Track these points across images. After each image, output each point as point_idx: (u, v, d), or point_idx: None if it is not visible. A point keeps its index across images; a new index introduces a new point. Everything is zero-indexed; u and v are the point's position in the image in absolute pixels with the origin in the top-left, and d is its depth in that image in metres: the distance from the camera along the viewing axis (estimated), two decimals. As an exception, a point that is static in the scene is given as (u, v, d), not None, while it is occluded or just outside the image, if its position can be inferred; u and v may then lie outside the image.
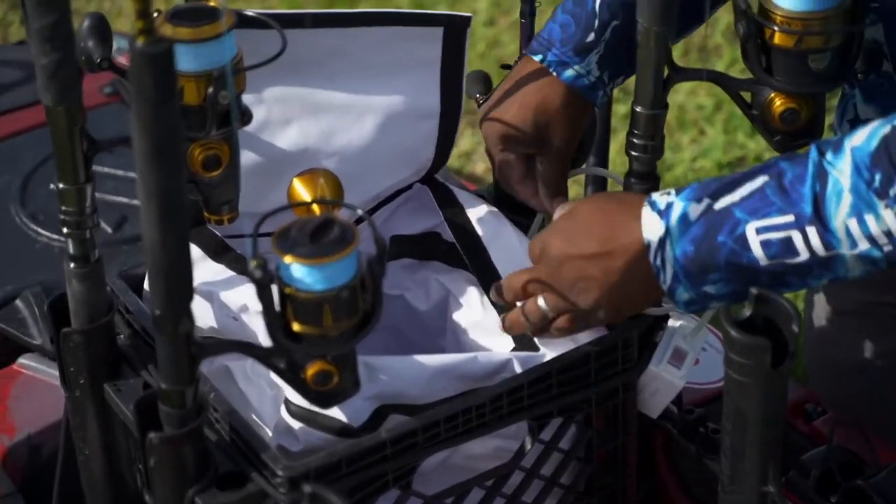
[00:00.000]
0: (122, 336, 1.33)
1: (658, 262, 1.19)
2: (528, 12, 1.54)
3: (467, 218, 1.43)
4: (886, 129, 1.13)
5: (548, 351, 1.29)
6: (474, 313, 1.40)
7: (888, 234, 1.13)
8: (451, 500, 1.28)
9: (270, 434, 1.23)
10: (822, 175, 1.14)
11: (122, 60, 1.64)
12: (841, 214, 1.13)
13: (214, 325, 1.31)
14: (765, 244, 1.16)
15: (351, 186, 1.33)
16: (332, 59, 1.39)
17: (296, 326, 1.11)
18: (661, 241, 1.19)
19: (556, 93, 1.40)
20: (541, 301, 1.26)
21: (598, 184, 1.66)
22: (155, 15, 1.19)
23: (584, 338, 1.29)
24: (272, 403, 1.26)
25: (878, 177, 1.12)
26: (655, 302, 1.27)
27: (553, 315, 1.26)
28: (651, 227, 1.19)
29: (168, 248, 1.04)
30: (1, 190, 1.96)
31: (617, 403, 1.33)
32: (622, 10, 1.34)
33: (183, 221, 1.04)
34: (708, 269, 1.18)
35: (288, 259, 1.09)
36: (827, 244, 1.14)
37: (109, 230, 1.87)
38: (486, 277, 1.39)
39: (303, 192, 1.28)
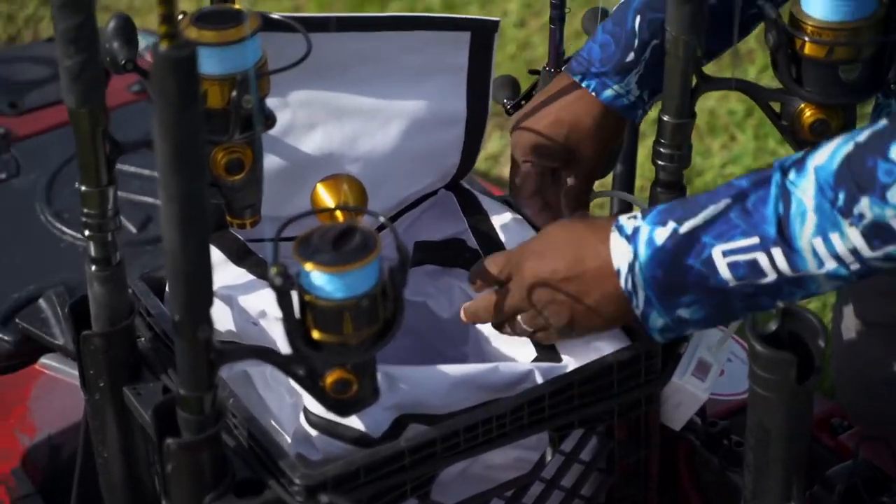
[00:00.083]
0: (143, 339, 1.32)
1: (629, 286, 1.21)
2: (558, 18, 1.53)
3: (491, 225, 1.42)
4: (849, 146, 1.13)
5: (570, 361, 1.28)
6: (497, 322, 1.39)
7: (854, 252, 1.13)
8: (471, 510, 1.28)
9: (289, 441, 1.23)
10: (785, 196, 1.15)
11: (149, 58, 1.64)
12: (806, 234, 1.14)
13: (234, 329, 1.31)
14: (732, 266, 1.17)
15: (375, 192, 1.33)
16: (358, 64, 1.38)
17: (315, 334, 1.10)
18: (630, 266, 1.20)
19: (591, 112, 1.40)
20: (519, 318, 1.28)
21: (624, 203, 1.65)
22: (180, 17, 1.18)
23: (608, 348, 1.28)
24: (292, 410, 1.25)
25: (841, 196, 1.12)
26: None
27: (531, 331, 1.28)
28: (619, 252, 1.21)
29: (189, 252, 1.04)
30: (27, 188, 1.97)
31: (639, 415, 1.32)
32: (662, 30, 1.33)
33: (204, 226, 1.03)
34: (679, 291, 1.19)
35: (309, 266, 1.08)
36: (793, 265, 1.15)
37: (134, 230, 1.87)
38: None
39: (326, 197, 1.27)
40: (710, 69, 1.36)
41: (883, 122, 1.13)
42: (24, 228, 1.90)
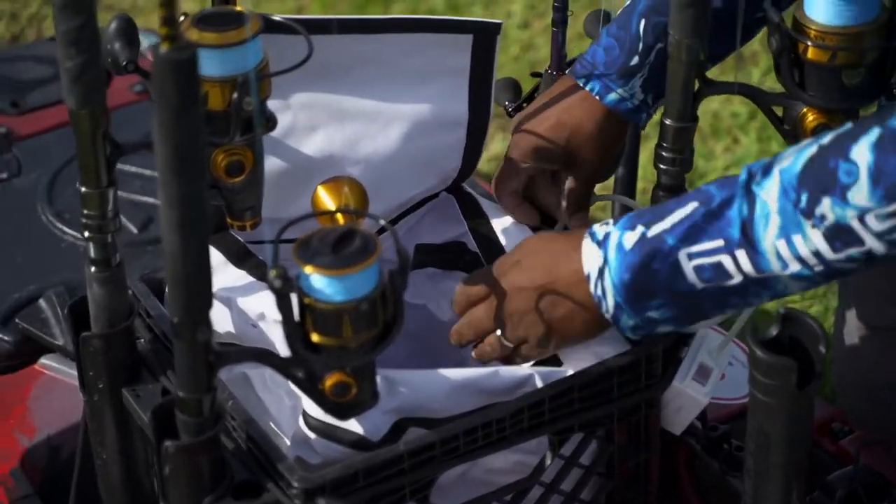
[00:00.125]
0: (143, 340, 1.32)
1: (599, 291, 1.21)
2: (560, 20, 1.53)
3: (491, 228, 1.42)
4: (813, 149, 1.13)
5: (570, 366, 1.27)
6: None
7: (817, 254, 1.13)
8: (470, 513, 1.27)
9: (289, 444, 1.22)
10: (749, 198, 1.15)
11: (151, 58, 1.63)
12: (769, 237, 1.14)
13: (234, 331, 1.30)
14: (698, 269, 1.17)
15: (376, 194, 1.32)
16: (360, 66, 1.38)
17: (315, 337, 1.10)
18: (600, 271, 1.21)
19: (593, 116, 1.39)
20: (498, 332, 1.28)
21: (625, 207, 1.65)
22: (182, 18, 1.18)
23: (608, 353, 1.28)
24: (291, 413, 1.25)
25: (804, 197, 1.12)
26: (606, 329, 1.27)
27: (513, 345, 1.28)
28: (590, 258, 1.22)
29: (188, 255, 1.03)
30: (29, 187, 1.96)
31: (639, 419, 1.32)
32: (666, 34, 1.33)
33: (203, 228, 1.03)
34: (647, 295, 1.20)
35: (308, 269, 1.08)
36: (758, 266, 1.15)
37: (135, 230, 1.86)
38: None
39: (327, 200, 1.27)
40: (713, 71, 1.36)
41: (848, 124, 1.13)
42: (25, 228, 1.89)
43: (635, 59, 1.37)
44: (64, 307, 1.68)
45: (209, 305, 1.06)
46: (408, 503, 1.21)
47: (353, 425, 1.18)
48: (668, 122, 1.32)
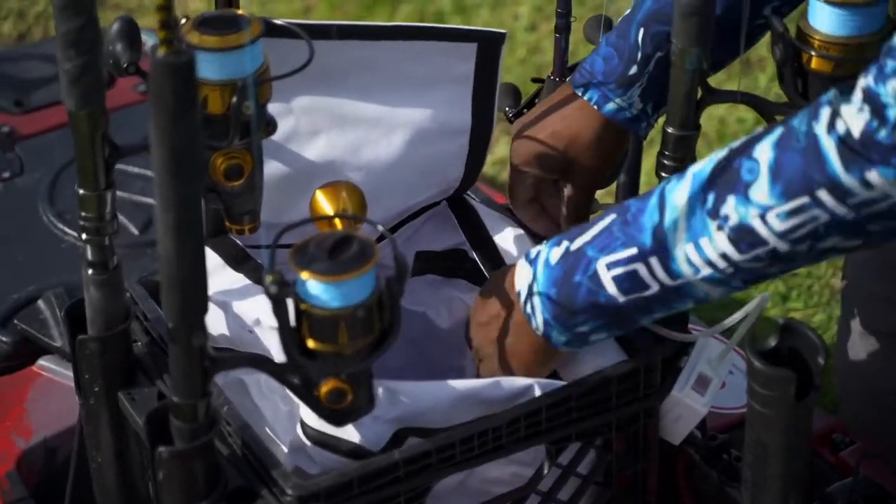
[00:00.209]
0: (140, 343, 1.32)
1: (528, 308, 1.22)
2: (563, 26, 1.52)
3: (489, 237, 1.41)
4: (724, 151, 1.13)
5: (569, 378, 1.27)
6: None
7: (724, 256, 1.12)
8: (466, 522, 1.27)
9: (285, 450, 1.22)
10: (662, 204, 1.14)
11: (153, 60, 1.63)
12: (680, 241, 1.13)
13: (230, 336, 1.30)
14: (616, 279, 1.17)
15: (377, 202, 1.32)
16: (364, 72, 1.37)
17: (311, 343, 1.09)
18: (530, 288, 1.22)
19: (591, 125, 1.39)
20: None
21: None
22: (183, 21, 1.18)
23: (606, 362, 1.27)
24: (287, 419, 1.24)
25: (710, 197, 1.12)
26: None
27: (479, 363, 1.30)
28: (521, 276, 1.23)
29: (184, 258, 1.03)
30: (31, 187, 1.96)
31: (638, 429, 1.31)
32: (666, 43, 1.32)
33: (199, 233, 1.03)
34: (573, 310, 1.20)
35: (305, 275, 1.07)
36: (671, 273, 1.15)
37: (136, 231, 1.86)
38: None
39: (325, 204, 1.27)
40: (720, 76, 1.35)
41: (760, 128, 1.13)
42: (26, 228, 1.89)
43: (634, 69, 1.37)
44: (63, 308, 1.67)
45: (205, 310, 1.06)
46: (403, 511, 1.21)
47: (353, 435, 1.18)
48: (670, 130, 1.31)
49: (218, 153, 1.21)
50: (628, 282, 1.16)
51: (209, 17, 1.19)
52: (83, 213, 1.21)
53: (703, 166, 1.14)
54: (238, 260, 1.36)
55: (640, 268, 1.15)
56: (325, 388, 1.11)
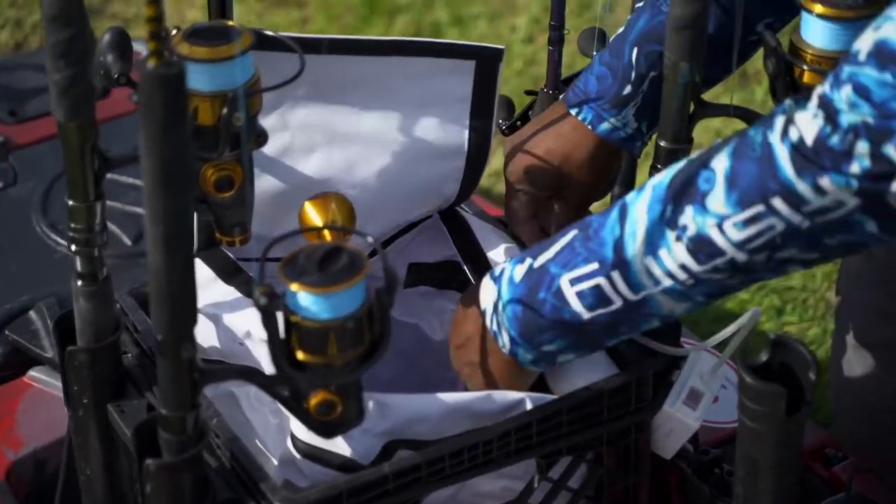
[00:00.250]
0: (129, 355, 1.31)
1: (494, 326, 1.22)
2: (556, 39, 1.52)
3: (481, 249, 1.40)
4: (682, 163, 1.13)
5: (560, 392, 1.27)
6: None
7: (684, 268, 1.12)
8: (456, 535, 1.26)
9: (275, 463, 1.21)
10: (622, 216, 1.14)
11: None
12: (640, 254, 1.13)
13: (220, 348, 1.29)
14: (580, 295, 1.16)
15: (371, 218, 1.31)
16: (360, 88, 1.36)
17: (300, 355, 1.09)
18: (495, 305, 1.21)
19: (584, 145, 1.39)
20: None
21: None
22: (174, 32, 1.17)
23: (597, 376, 1.27)
24: (276, 432, 1.24)
25: (668, 208, 1.11)
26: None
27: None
28: (487, 294, 1.22)
29: (173, 271, 1.02)
30: (24, 197, 1.95)
31: (629, 443, 1.31)
32: (660, 62, 1.32)
33: (189, 244, 1.02)
34: (538, 327, 1.19)
35: (294, 287, 1.07)
36: (633, 286, 1.14)
37: (128, 242, 1.86)
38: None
39: (314, 216, 1.26)
40: (717, 88, 1.35)
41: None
42: (18, 238, 1.88)
43: (628, 88, 1.36)
44: (54, 319, 1.67)
45: (194, 322, 1.05)
46: (392, 524, 1.21)
47: (342, 448, 1.17)
48: (662, 143, 1.31)
49: (208, 164, 1.20)
50: (592, 297, 1.16)
51: (200, 28, 1.18)
52: (72, 224, 1.21)
53: (661, 178, 1.13)
54: (229, 273, 1.36)
55: (603, 282, 1.15)
56: (315, 399, 1.10)
